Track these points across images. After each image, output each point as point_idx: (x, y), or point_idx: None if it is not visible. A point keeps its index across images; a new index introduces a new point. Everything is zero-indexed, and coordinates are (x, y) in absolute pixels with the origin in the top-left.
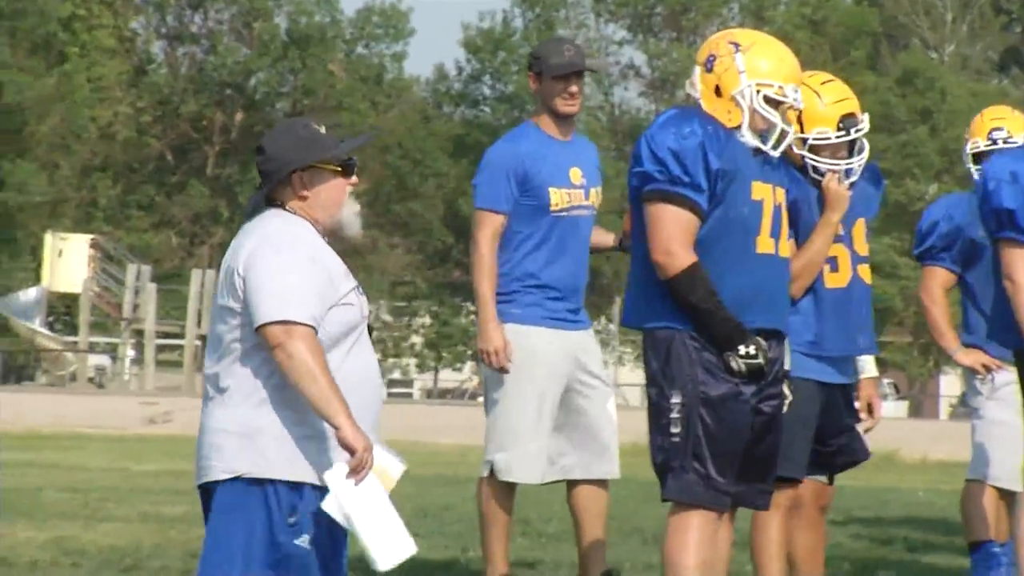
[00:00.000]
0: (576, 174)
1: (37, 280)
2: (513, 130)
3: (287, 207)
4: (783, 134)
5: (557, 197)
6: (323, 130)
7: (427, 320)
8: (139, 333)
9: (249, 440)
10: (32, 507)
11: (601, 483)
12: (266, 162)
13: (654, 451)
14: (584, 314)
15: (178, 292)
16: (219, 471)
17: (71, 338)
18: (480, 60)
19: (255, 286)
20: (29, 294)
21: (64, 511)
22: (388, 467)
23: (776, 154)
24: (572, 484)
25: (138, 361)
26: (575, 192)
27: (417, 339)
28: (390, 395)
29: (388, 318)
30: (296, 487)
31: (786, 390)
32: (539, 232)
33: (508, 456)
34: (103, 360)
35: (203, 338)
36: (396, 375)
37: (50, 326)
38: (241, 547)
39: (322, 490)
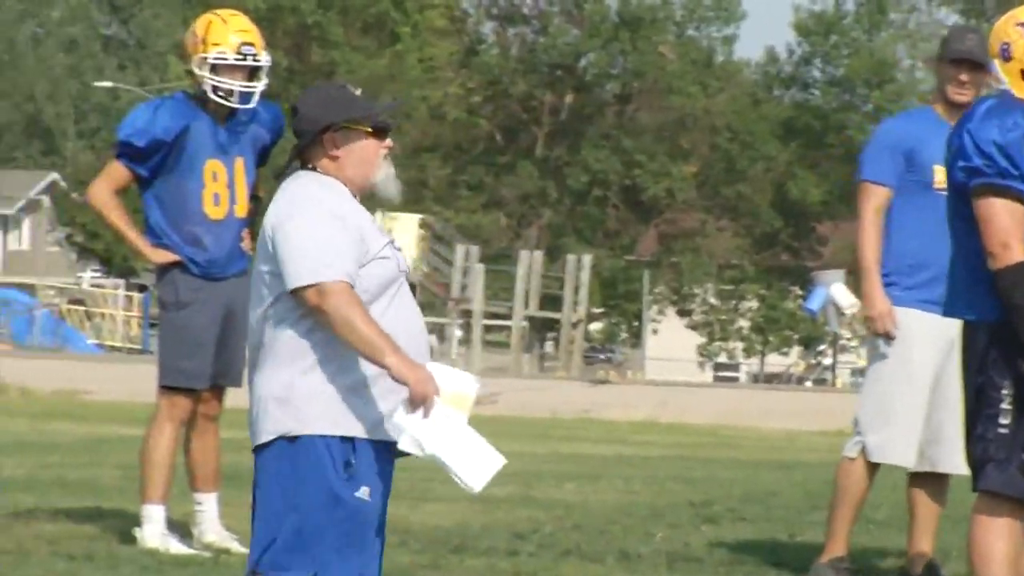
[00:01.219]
0: None
1: None
2: (909, 110)
3: (318, 168)
4: None
5: (941, 175)
6: (358, 92)
7: (754, 304)
8: (467, 313)
9: (289, 401)
10: None
11: (947, 477)
12: (299, 122)
13: (974, 440)
14: None
15: (506, 273)
16: (266, 433)
17: None
18: (811, 43)
19: (285, 250)
20: None
21: (393, 491)
22: (461, 389)
23: None
24: (917, 475)
25: (465, 341)
26: None
27: (744, 323)
28: (716, 378)
29: (715, 301)
30: (347, 441)
31: None
32: (921, 211)
33: (882, 438)
34: (431, 340)
35: (531, 319)
36: (723, 358)
37: None
38: (289, 505)
39: (378, 443)
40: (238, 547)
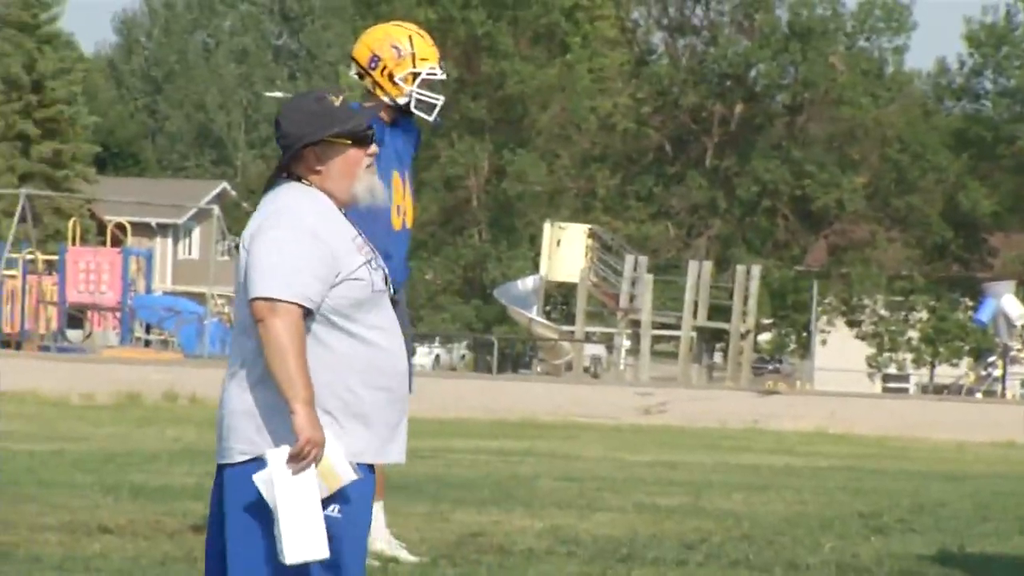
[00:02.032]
0: None
1: (535, 269)
2: None
3: (304, 180)
4: None
5: None
6: (339, 102)
7: (924, 315)
8: (635, 323)
9: (254, 418)
10: (529, 496)
11: None
12: (281, 138)
13: None
14: None
15: (674, 283)
16: (234, 452)
17: (568, 327)
18: (982, 54)
19: (252, 261)
20: (527, 283)
21: (560, 500)
22: (337, 469)
23: None
24: None
25: (633, 351)
26: None
27: (914, 333)
28: (886, 389)
29: (884, 312)
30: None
31: None
32: None
33: None
34: (599, 350)
35: (699, 330)
36: (892, 369)
37: (547, 315)
38: (263, 526)
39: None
40: (406, 555)
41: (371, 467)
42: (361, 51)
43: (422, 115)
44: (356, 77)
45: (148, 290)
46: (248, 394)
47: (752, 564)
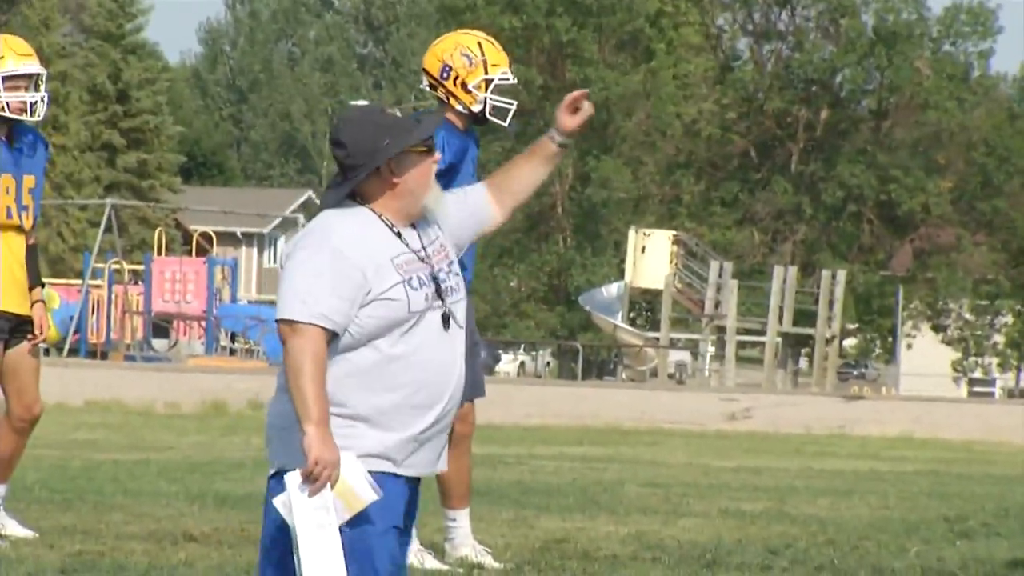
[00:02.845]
0: None
1: (620, 275)
2: None
3: (367, 198)
4: None
5: None
6: (398, 112)
7: (1010, 319)
8: (720, 329)
9: (287, 432)
10: (613, 502)
11: None
12: (349, 156)
13: None
14: None
15: (759, 289)
16: (273, 464)
17: (653, 334)
18: None
19: (281, 280)
20: (612, 289)
21: (645, 506)
22: (359, 490)
23: None
24: None
25: (718, 357)
26: None
27: (999, 338)
28: (971, 393)
29: (970, 316)
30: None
31: None
32: None
33: None
34: (684, 356)
35: (784, 335)
36: (977, 374)
37: (632, 321)
38: (286, 543)
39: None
40: (491, 561)
41: (403, 478)
42: (431, 62)
43: (498, 121)
44: (428, 88)
45: (233, 299)
46: (277, 407)
47: (837, 569)
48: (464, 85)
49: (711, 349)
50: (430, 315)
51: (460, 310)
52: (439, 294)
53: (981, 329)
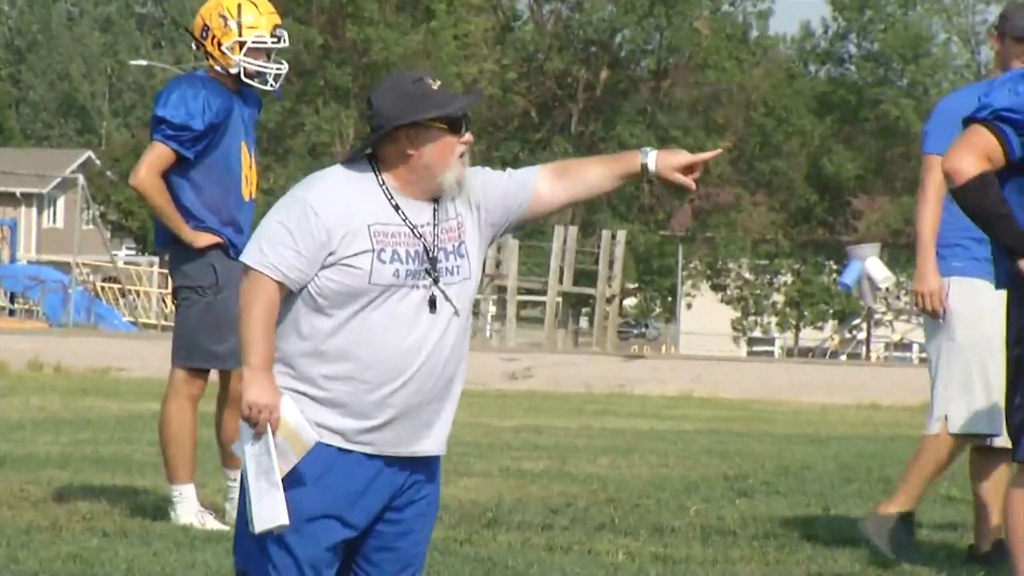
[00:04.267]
0: None
1: None
2: (973, 83)
3: (383, 161)
4: None
5: None
6: (436, 85)
7: (789, 278)
8: (501, 289)
9: None
10: None
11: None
12: (374, 116)
13: (1013, 410)
14: None
15: (540, 248)
16: None
17: None
18: (846, 18)
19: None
20: None
21: None
22: (299, 431)
23: None
24: (982, 449)
25: (500, 317)
26: None
27: (778, 297)
28: (751, 353)
29: (749, 276)
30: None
31: None
32: None
33: (966, 409)
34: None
35: (565, 295)
36: (757, 333)
37: None
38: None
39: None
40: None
41: (361, 455)
42: (197, 21)
43: (256, 84)
44: (195, 48)
45: (12, 259)
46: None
47: (617, 528)
48: (220, 46)
49: (492, 309)
50: (408, 292)
51: (457, 294)
52: (430, 273)
53: (760, 288)
